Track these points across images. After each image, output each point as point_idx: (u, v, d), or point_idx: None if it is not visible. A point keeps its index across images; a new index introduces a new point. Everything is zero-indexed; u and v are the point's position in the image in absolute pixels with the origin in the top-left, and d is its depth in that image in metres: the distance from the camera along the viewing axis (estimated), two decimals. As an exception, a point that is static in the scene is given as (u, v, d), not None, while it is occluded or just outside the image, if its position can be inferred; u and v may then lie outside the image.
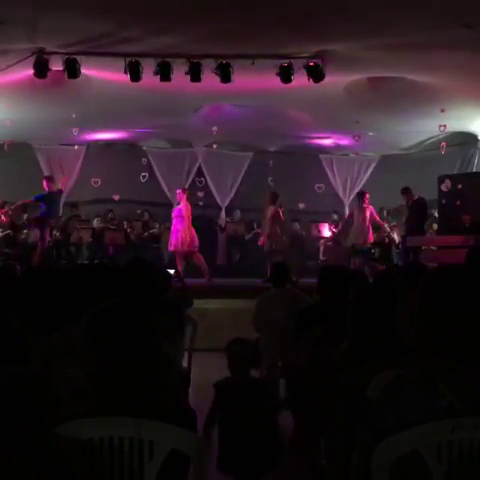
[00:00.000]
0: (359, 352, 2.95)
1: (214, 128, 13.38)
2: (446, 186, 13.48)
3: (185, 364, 5.31)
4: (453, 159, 14.80)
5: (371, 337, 2.96)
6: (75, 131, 13.63)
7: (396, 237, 14.54)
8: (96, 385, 2.21)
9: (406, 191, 13.24)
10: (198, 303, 7.09)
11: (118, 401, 2.18)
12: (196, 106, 12.57)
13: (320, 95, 10.66)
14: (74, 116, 12.19)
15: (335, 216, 15.74)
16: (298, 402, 4.73)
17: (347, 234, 13.96)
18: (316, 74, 9.64)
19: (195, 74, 9.64)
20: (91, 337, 2.25)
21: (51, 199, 12.98)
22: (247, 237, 15.68)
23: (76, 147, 15.63)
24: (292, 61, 9.63)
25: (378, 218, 13.88)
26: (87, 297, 3.00)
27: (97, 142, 15.68)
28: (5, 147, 14.01)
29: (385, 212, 15.08)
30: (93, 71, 10.00)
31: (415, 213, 13.11)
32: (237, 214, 16.14)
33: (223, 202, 16.27)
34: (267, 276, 10.38)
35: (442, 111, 11.82)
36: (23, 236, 14.24)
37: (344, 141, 15.41)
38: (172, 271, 7.64)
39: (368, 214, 13.45)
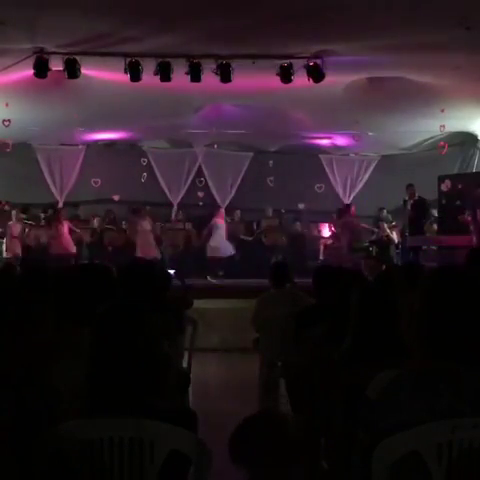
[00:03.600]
0: (360, 352, 2.95)
1: (214, 129, 13.43)
2: (446, 186, 13.48)
3: (185, 364, 5.31)
4: (453, 159, 14.79)
5: (373, 337, 2.96)
6: (75, 131, 13.67)
7: (395, 237, 14.54)
8: (95, 385, 2.21)
9: (409, 187, 13.18)
10: (198, 303, 7.10)
11: (117, 401, 2.18)
12: (196, 106, 12.57)
13: (320, 95, 10.66)
14: (75, 116, 12.19)
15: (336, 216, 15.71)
16: (298, 402, 4.73)
17: None
18: (316, 74, 9.64)
19: (195, 74, 9.65)
20: (91, 337, 2.25)
21: None
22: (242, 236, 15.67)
23: (80, 146, 15.65)
24: (292, 61, 9.64)
25: None
26: (87, 297, 3.00)
27: (97, 142, 15.67)
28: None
29: (385, 211, 15.08)
30: (93, 71, 10.00)
31: (416, 213, 13.08)
32: (237, 214, 16.14)
33: (223, 202, 16.27)
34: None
35: (442, 111, 11.83)
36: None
37: (344, 141, 15.41)
38: (172, 271, 7.66)
39: None
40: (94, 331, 2.27)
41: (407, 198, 13.23)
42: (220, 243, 14.14)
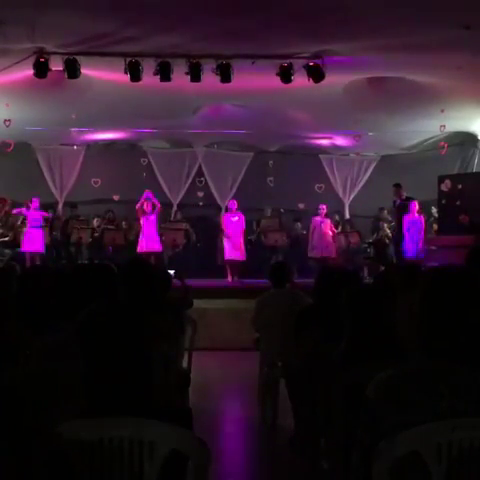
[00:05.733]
0: (358, 352, 2.95)
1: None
2: (446, 186, 13.47)
3: (185, 364, 5.31)
4: (453, 159, 14.80)
5: (368, 338, 2.96)
6: (75, 131, 13.67)
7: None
8: (93, 385, 2.20)
9: (397, 187, 13.11)
10: (198, 303, 7.10)
11: (114, 401, 2.18)
12: (196, 106, 12.57)
13: (320, 95, 10.67)
14: (74, 116, 12.20)
15: (336, 216, 15.72)
16: (298, 402, 4.73)
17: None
18: (316, 74, 9.65)
19: (195, 74, 9.65)
20: (85, 337, 2.24)
21: None
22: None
23: (76, 147, 15.65)
24: (292, 61, 9.64)
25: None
26: (87, 297, 3.00)
27: (97, 142, 15.68)
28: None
29: (385, 212, 15.07)
30: (93, 71, 10.00)
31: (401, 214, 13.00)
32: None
33: (223, 202, 16.26)
34: None
35: (442, 111, 11.83)
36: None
37: (344, 141, 15.41)
38: (172, 271, 7.65)
39: None
40: (89, 330, 2.25)
41: (396, 198, 13.23)
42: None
